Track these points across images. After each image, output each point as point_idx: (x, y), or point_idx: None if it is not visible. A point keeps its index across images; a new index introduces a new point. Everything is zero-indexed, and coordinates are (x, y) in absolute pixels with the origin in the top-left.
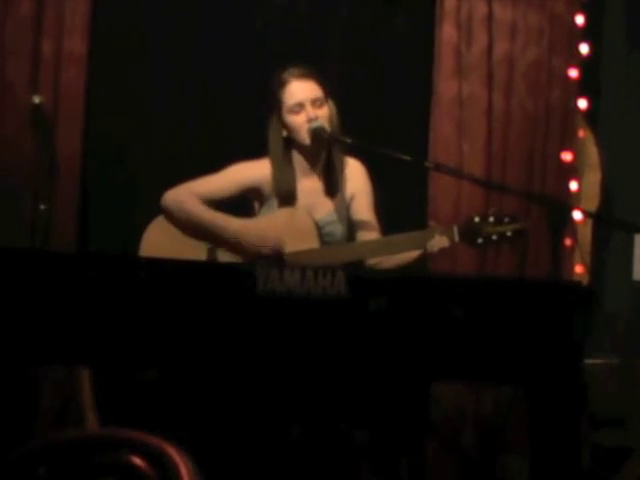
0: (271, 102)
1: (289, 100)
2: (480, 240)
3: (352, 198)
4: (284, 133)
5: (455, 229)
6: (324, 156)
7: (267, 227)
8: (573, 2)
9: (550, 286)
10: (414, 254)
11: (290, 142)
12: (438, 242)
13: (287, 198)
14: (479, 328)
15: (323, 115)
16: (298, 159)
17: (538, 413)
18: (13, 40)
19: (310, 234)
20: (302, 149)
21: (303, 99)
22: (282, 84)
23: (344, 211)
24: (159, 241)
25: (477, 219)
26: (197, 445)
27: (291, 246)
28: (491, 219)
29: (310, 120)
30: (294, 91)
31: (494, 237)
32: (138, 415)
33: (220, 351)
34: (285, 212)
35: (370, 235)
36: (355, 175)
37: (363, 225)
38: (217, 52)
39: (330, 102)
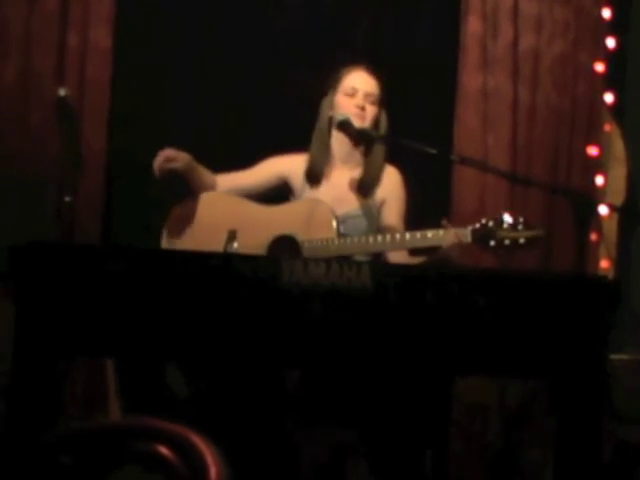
0: (330, 82)
1: (348, 82)
2: (492, 243)
3: (383, 203)
4: (330, 112)
5: (469, 231)
6: (362, 151)
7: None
8: None
9: (576, 280)
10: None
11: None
12: (454, 244)
13: (314, 176)
14: (504, 322)
15: (371, 112)
16: (338, 144)
17: (562, 407)
18: (39, 33)
19: (327, 226)
20: (341, 136)
21: (360, 87)
22: (349, 69)
23: (370, 209)
24: (183, 221)
25: (491, 223)
26: (221, 435)
27: (307, 235)
28: (505, 224)
29: (358, 107)
30: (356, 77)
31: (507, 242)
32: (162, 405)
33: (244, 342)
34: (307, 201)
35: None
36: (390, 181)
37: (390, 233)
38: (240, 43)
39: (383, 111)
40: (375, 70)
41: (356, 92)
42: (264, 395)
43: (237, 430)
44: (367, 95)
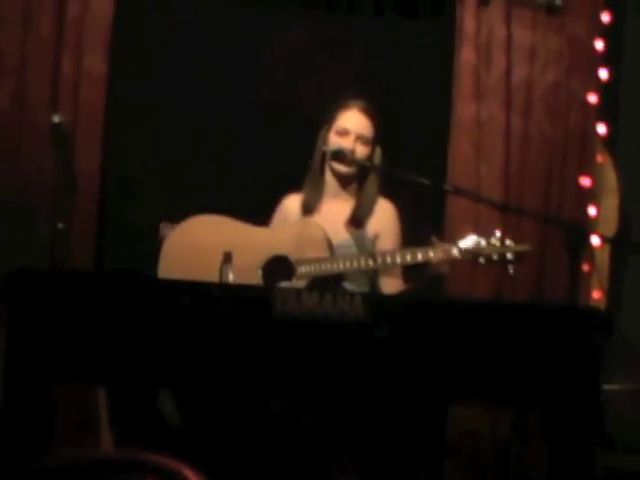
0: (327, 117)
1: (341, 122)
2: (481, 259)
3: (377, 237)
4: (324, 147)
5: (457, 247)
6: (356, 185)
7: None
8: (593, 26)
9: (568, 311)
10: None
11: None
12: (444, 260)
13: (308, 210)
14: (497, 352)
15: (361, 153)
16: (330, 179)
17: (555, 437)
18: (33, 59)
19: (320, 246)
20: (333, 170)
21: (352, 128)
22: (344, 106)
23: (362, 240)
24: (180, 244)
25: (479, 239)
26: (213, 468)
27: (300, 254)
28: (493, 240)
29: (347, 150)
30: (350, 117)
31: (495, 257)
32: (154, 436)
33: (237, 371)
34: (299, 222)
35: (392, 278)
36: (383, 215)
37: (385, 267)
38: (234, 70)
39: (378, 148)
40: (369, 109)
41: (348, 133)
42: (255, 423)
43: (229, 457)
44: (359, 137)
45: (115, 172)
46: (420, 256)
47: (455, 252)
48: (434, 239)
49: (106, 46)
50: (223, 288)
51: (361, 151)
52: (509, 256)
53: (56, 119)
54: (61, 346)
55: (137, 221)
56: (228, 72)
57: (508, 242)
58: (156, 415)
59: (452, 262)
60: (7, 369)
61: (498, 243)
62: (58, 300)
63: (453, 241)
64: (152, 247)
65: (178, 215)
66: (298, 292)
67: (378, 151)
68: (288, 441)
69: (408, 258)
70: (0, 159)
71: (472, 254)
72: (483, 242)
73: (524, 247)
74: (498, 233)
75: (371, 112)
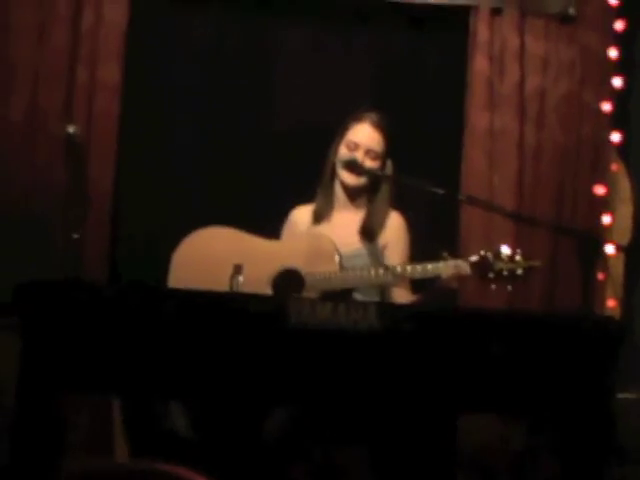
0: (341, 128)
1: (352, 135)
2: (491, 275)
3: (386, 247)
4: (334, 158)
5: (467, 262)
6: (366, 197)
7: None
8: (606, 35)
9: (582, 320)
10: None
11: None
12: (454, 275)
13: (318, 219)
14: (509, 361)
15: (370, 166)
16: (339, 191)
17: (568, 447)
18: (48, 69)
19: (330, 259)
20: (342, 183)
21: (362, 142)
22: (357, 119)
23: (372, 251)
24: (190, 255)
25: (490, 255)
26: (226, 477)
27: (310, 268)
28: (503, 256)
29: None
30: (360, 131)
31: (505, 273)
32: (169, 447)
33: (250, 383)
34: (309, 235)
35: (401, 290)
36: (393, 226)
37: (395, 280)
38: (246, 75)
39: (389, 161)
40: (381, 122)
41: (357, 147)
42: (266, 433)
43: (242, 467)
44: (368, 151)
45: (128, 182)
46: (430, 270)
47: (465, 268)
48: (445, 254)
49: (120, 56)
50: (238, 299)
51: (370, 165)
52: (519, 271)
53: (70, 130)
54: (74, 357)
55: (150, 232)
56: (242, 82)
57: (518, 257)
58: (170, 427)
59: (462, 277)
60: (20, 379)
61: (508, 259)
62: (71, 311)
63: (465, 255)
64: (165, 258)
65: (190, 226)
66: (312, 302)
67: (389, 164)
68: (300, 452)
69: (418, 271)
70: (14, 169)
71: (482, 270)
72: (493, 258)
73: (534, 263)
74: (507, 249)
75: (382, 126)
